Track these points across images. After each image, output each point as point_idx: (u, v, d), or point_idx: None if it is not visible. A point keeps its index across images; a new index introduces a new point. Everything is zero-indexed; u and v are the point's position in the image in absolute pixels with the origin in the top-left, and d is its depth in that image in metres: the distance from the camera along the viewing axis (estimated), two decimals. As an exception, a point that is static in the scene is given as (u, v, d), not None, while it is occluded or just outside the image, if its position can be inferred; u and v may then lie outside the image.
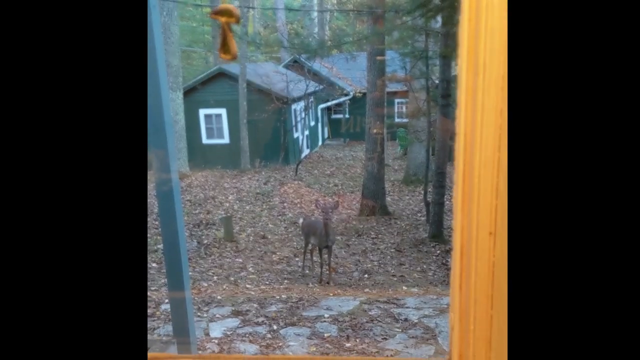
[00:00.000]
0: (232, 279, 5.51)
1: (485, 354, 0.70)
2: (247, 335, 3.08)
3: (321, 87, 14.02)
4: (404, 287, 4.80)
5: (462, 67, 0.65)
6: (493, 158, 0.62)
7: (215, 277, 5.58)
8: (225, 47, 0.68)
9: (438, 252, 6.33)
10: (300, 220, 6.01)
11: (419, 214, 8.12)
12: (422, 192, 8.16)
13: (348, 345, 2.87)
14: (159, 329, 3.22)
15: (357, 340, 2.94)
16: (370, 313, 3.38)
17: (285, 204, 9.07)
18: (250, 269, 5.93)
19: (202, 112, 12.72)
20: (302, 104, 13.18)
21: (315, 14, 20.18)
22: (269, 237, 7.29)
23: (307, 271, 5.65)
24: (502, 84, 0.60)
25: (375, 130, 8.28)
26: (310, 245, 5.57)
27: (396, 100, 14.42)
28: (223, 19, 0.66)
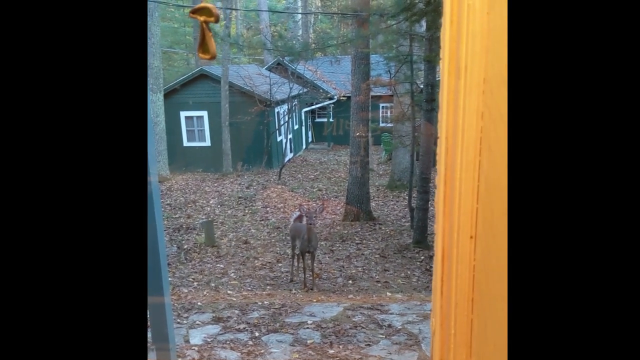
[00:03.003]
0: (213, 284, 5.43)
1: (466, 358, 0.70)
2: (228, 342, 3.03)
3: (305, 90, 14.01)
4: (388, 293, 4.80)
5: (444, 70, 0.65)
6: (474, 161, 0.62)
7: (195, 283, 5.49)
8: (204, 46, 0.67)
9: (422, 258, 6.36)
10: (295, 215, 5.86)
11: (404, 220, 8.16)
12: (407, 197, 8.20)
13: (331, 351, 2.85)
14: (137, 336, 3.13)
15: (341, 346, 2.93)
16: (354, 319, 3.37)
17: (268, 209, 9.01)
18: (232, 274, 5.86)
19: (183, 114, 12.57)
20: (285, 107, 13.14)
21: (299, 16, 20.18)
22: (252, 242, 7.22)
23: (294, 278, 5.57)
24: (484, 87, 0.59)
25: (358, 134, 8.29)
26: (297, 249, 5.52)
27: (381, 105, 14.50)
28: (202, 18, 0.65)
